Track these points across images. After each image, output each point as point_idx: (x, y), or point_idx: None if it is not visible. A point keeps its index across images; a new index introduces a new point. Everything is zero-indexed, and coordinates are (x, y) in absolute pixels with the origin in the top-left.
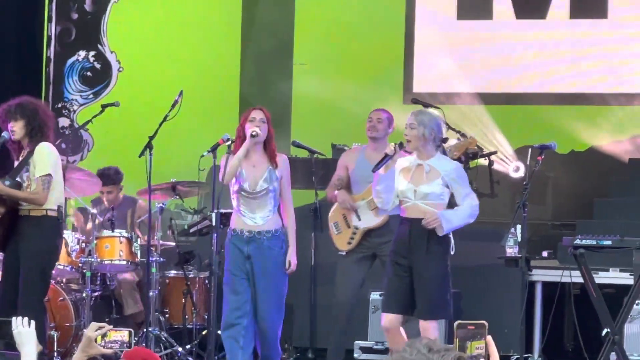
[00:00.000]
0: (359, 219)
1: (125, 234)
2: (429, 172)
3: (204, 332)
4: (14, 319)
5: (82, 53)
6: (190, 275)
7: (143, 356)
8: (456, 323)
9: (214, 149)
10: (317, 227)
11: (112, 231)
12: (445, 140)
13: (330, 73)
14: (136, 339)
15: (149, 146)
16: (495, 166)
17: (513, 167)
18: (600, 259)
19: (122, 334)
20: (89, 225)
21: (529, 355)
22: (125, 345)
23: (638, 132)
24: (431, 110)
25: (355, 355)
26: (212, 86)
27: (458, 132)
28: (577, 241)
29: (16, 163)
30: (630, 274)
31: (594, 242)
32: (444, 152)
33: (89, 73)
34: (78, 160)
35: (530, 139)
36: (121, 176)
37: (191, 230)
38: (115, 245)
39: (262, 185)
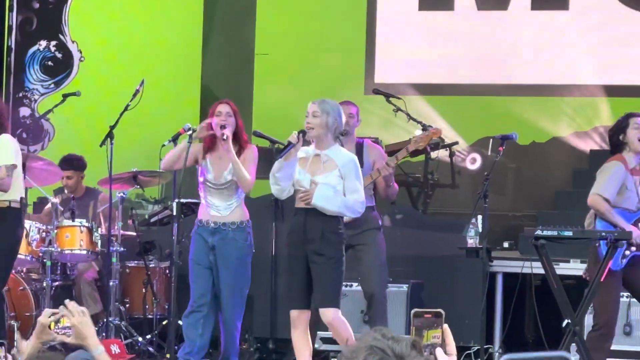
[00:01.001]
0: None
1: (86, 224)
2: (326, 162)
3: (164, 322)
4: None
5: (44, 43)
6: (150, 265)
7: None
8: (413, 311)
9: (174, 139)
10: (277, 217)
11: (73, 221)
12: (345, 132)
13: (292, 63)
14: (96, 328)
15: (109, 135)
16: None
17: (470, 159)
18: (561, 250)
19: None
20: (48, 206)
21: (490, 346)
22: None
23: (599, 123)
24: (331, 100)
25: (316, 346)
26: (173, 76)
27: (419, 122)
28: (539, 232)
29: None
30: None
31: (555, 233)
32: (341, 145)
33: (50, 62)
34: (39, 149)
35: (491, 129)
36: (83, 163)
37: (152, 220)
38: (76, 234)
39: (226, 177)
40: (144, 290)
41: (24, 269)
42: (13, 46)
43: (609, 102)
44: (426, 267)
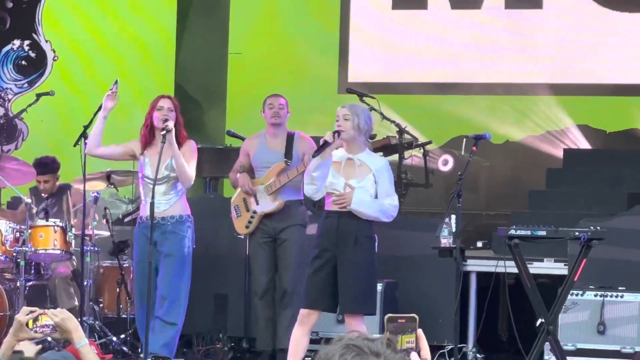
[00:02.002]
0: (257, 203)
1: (60, 223)
2: (360, 167)
3: None
4: None
5: (17, 42)
6: (124, 265)
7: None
8: (386, 317)
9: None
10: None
11: (47, 220)
12: (373, 136)
13: (266, 62)
14: None
15: (83, 135)
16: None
17: (442, 160)
18: (535, 249)
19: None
20: (22, 206)
21: (464, 345)
22: (56, 329)
23: (572, 123)
24: (360, 104)
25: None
26: (147, 76)
27: (392, 122)
28: (512, 231)
29: None
30: (565, 264)
31: (528, 233)
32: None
33: (23, 62)
34: (13, 149)
35: (465, 129)
36: (58, 165)
37: (125, 220)
38: (50, 234)
39: (163, 172)
40: (117, 290)
41: None
42: None
43: (582, 101)
44: (400, 266)
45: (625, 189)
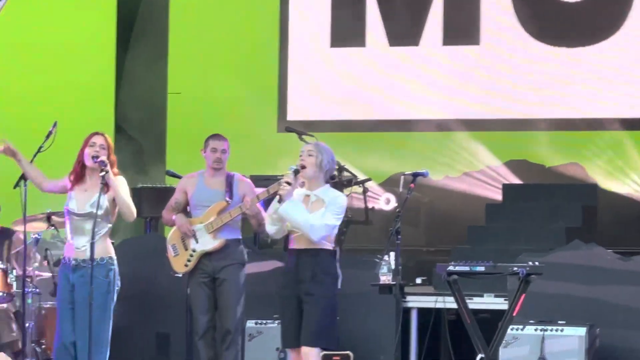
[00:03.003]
0: (197, 242)
1: (1, 265)
2: (314, 202)
3: None
4: None
5: None
6: None
7: None
8: (322, 354)
9: None
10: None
11: None
12: (333, 177)
13: (204, 102)
14: None
15: (23, 177)
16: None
17: (384, 199)
18: (475, 284)
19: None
20: None
21: None
22: None
23: (513, 157)
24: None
25: None
26: (86, 117)
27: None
28: (451, 267)
29: None
30: (505, 299)
31: (467, 269)
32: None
33: None
34: None
35: (403, 166)
36: None
37: None
38: None
39: (87, 208)
40: None
41: None
42: None
43: (523, 136)
44: (340, 303)
45: (564, 223)
